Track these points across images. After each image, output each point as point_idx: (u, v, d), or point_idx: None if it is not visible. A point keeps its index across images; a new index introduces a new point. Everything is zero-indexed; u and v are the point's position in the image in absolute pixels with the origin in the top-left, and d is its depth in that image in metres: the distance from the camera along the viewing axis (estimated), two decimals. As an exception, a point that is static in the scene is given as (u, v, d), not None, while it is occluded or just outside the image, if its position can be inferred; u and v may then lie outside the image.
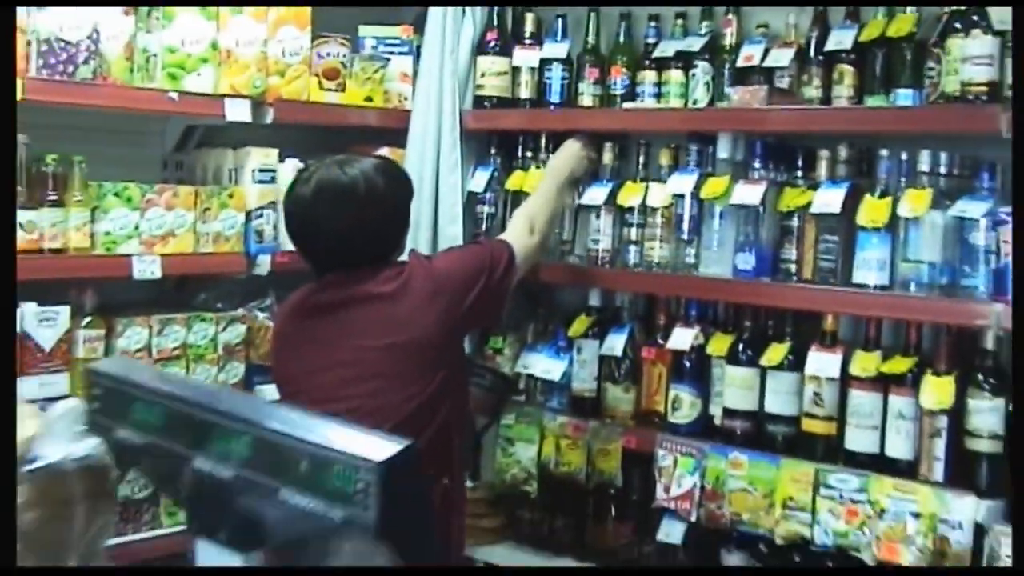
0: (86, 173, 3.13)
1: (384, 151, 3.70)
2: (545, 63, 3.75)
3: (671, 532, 3.34)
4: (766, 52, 3.32)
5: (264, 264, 3.50)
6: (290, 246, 3.46)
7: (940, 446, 2.90)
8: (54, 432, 1.26)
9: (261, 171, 3.51)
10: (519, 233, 3.18)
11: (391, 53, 3.87)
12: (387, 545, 1.09)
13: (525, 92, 3.78)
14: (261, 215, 3.50)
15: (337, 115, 3.69)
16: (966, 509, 2.80)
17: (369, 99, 3.76)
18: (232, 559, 1.25)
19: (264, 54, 3.43)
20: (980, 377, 2.86)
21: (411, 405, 2.73)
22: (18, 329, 2.97)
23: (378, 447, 1.11)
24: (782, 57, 3.29)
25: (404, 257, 3.02)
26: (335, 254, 2.87)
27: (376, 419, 2.50)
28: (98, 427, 1.34)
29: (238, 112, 3.37)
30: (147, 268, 3.21)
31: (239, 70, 3.36)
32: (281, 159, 3.58)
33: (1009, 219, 2.77)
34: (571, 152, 3.48)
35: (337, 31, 3.69)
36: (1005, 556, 2.70)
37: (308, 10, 3.55)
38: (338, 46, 3.67)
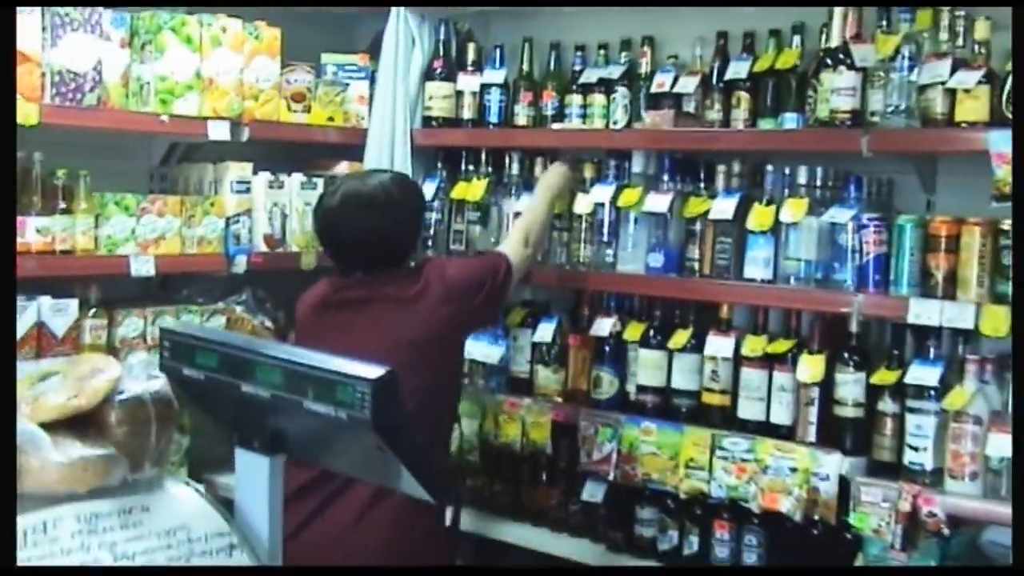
0: (90, 185, 3.44)
1: (344, 164, 4.06)
2: (485, 87, 4.03)
3: (594, 492, 3.63)
4: (676, 79, 3.62)
5: (241, 264, 3.81)
6: (263, 248, 3.90)
7: (813, 413, 3.25)
8: (133, 374, 1.74)
9: (238, 183, 3.82)
10: (516, 246, 3.42)
11: (350, 78, 4.18)
12: (379, 434, 1.59)
13: (468, 113, 4.06)
14: (238, 221, 3.80)
15: (303, 133, 4.01)
16: (833, 464, 3.15)
17: (331, 119, 4.09)
18: (263, 462, 1.74)
19: (241, 81, 3.74)
20: (846, 355, 3.21)
21: (422, 391, 2.91)
22: (35, 319, 3.30)
23: (370, 371, 1.59)
24: (689, 84, 3.59)
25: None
26: (358, 256, 3.17)
27: None
28: (168, 369, 1.80)
29: (219, 132, 3.68)
30: (142, 267, 3.53)
31: (220, 95, 3.67)
32: (255, 172, 3.89)
33: (870, 224, 3.15)
34: (560, 172, 3.69)
35: (302, 59, 4.01)
36: (865, 502, 3.08)
37: (279, 42, 3.87)
38: (304, 73, 4.00)
